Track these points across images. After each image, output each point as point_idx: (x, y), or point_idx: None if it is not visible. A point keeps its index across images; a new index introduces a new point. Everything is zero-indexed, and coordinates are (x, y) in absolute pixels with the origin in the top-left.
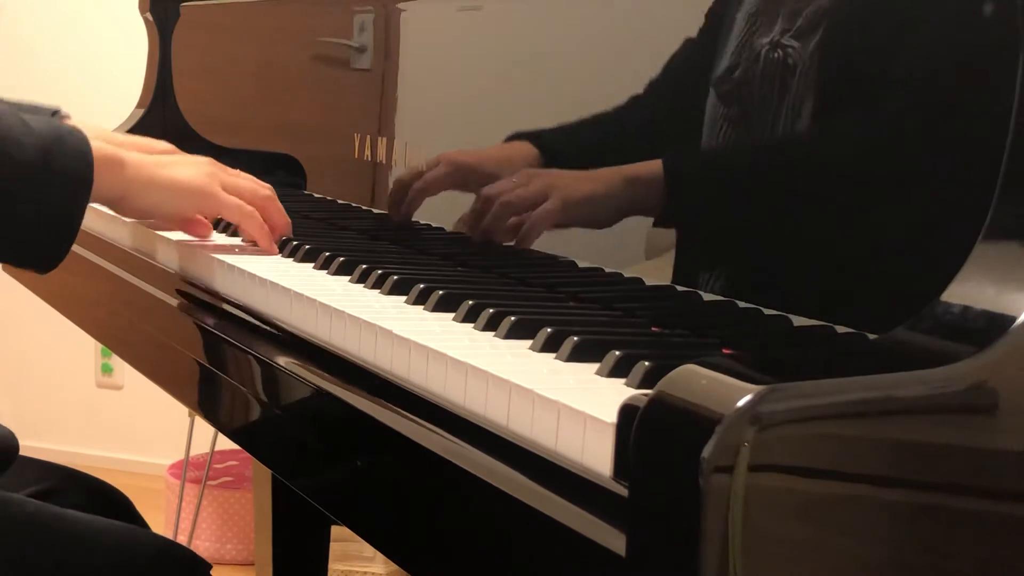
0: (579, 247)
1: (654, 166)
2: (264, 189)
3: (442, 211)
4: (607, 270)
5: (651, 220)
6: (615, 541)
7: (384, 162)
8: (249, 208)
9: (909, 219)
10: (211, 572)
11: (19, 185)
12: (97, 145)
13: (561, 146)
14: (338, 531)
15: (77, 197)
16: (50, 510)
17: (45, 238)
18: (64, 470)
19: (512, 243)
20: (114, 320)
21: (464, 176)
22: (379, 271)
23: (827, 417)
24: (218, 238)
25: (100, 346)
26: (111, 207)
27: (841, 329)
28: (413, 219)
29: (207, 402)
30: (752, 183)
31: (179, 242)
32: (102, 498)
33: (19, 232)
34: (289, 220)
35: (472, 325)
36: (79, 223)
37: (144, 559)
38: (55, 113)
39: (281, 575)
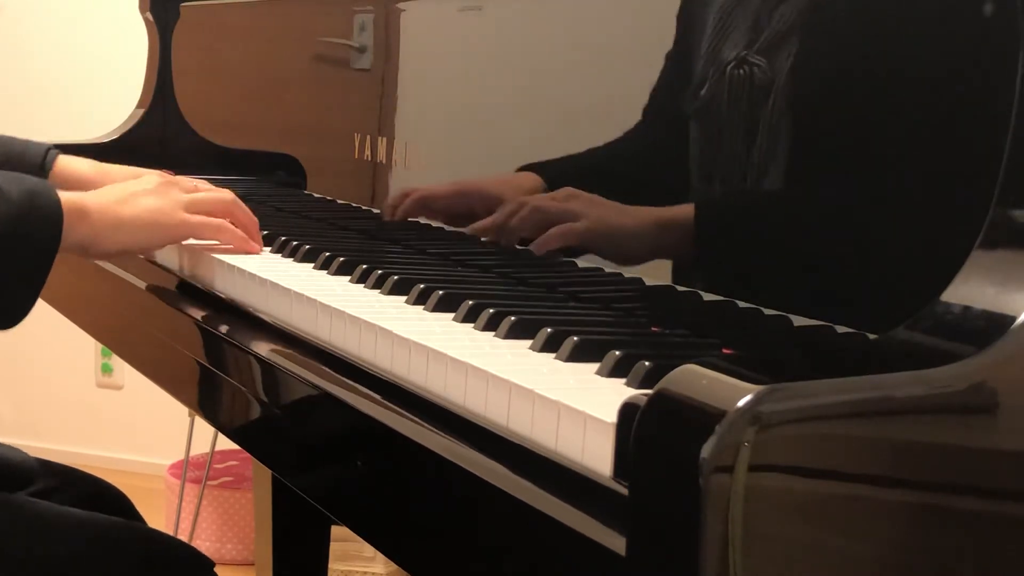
0: None
1: (687, 211)
2: (225, 194)
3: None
4: (607, 270)
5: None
6: (615, 541)
7: (384, 162)
8: (217, 221)
9: (909, 219)
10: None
11: None
12: (64, 198)
13: (563, 151)
14: (338, 531)
15: (44, 261)
16: (52, 509)
17: (10, 299)
18: (64, 469)
19: (527, 247)
20: (114, 320)
21: (466, 200)
22: (379, 271)
23: (827, 417)
24: None
25: (100, 346)
26: (80, 254)
27: (841, 329)
28: (414, 219)
29: (207, 402)
30: (752, 183)
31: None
32: (101, 497)
33: None
34: (255, 218)
35: (472, 325)
36: (43, 282)
37: (148, 556)
38: (49, 149)
39: (281, 575)
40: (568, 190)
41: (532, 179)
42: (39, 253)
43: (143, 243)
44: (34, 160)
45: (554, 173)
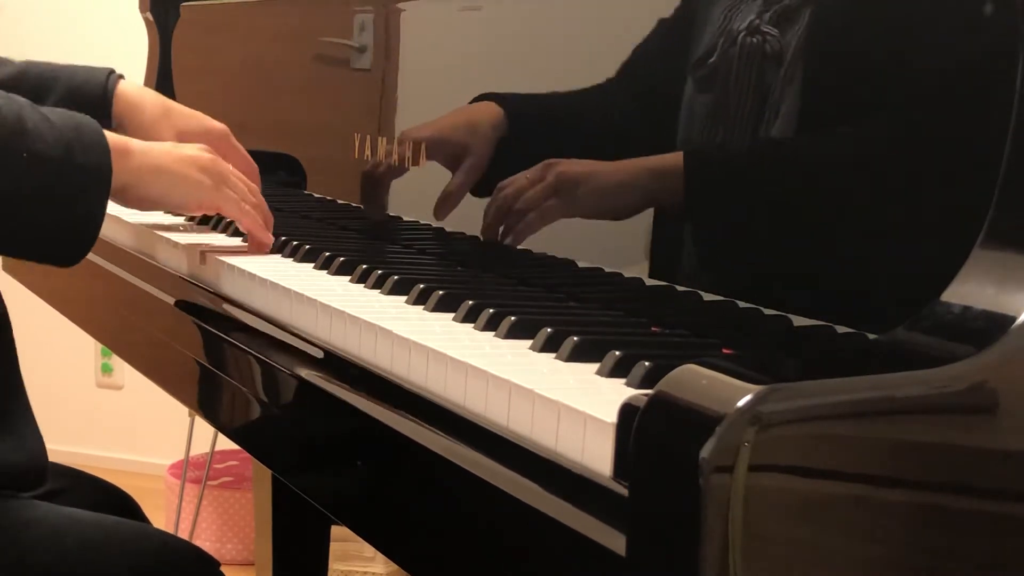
0: (579, 247)
1: (675, 159)
2: (252, 185)
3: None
4: (607, 270)
5: (652, 220)
6: (615, 541)
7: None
8: (247, 207)
9: (909, 219)
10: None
11: (47, 181)
12: (109, 136)
13: (563, 151)
14: (338, 531)
15: (100, 189)
16: (59, 511)
17: (72, 233)
18: (70, 471)
19: (520, 233)
20: (114, 320)
21: (436, 147)
22: (379, 271)
23: (827, 417)
24: (218, 238)
25: (100, 346)
26: (115, 197)
27: (841, 329)
28: (414, 219)
29: (207, 402)
30: (752, 183)
31: (179, 242)
32: (108, 498)
33: (47, 228)
34: (271, 217)
35: (472, 325)
36: (103, 214)
37: (153, 556)
38: (110, 74)
39: (281, 575)
40: (545, 164)
41: (489, 109)
42: (95, 178)
43: (177, 198)
44: (95, 90)
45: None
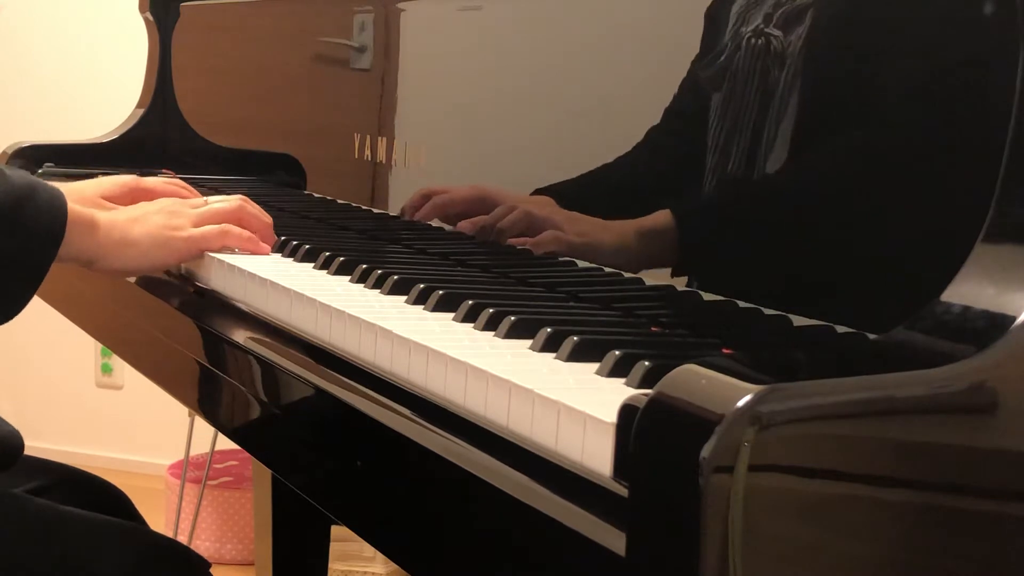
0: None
1: (665, 218)
2: (232, 202)
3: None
4: (607, 270)
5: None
6: (615, 541)
7: (384, 162)
8: (221, 228)
9: (909, 219)
10: (210, 570)
11: None
12: (72, 206)
13: (563, 151)
14: (338, 531)
15: (44, 251)
16: (48, 507)
17: (6, 287)
18: (62, 467)
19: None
20: (114, 320)
21: (484, 205)
22: (379, 271)
23: (827, 417)
24: None
25: (100, 346)
26: (85, 267)
27: (841, 329)
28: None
29: (207, 402)
30: (752, 184)
31: None
32: (100, 495)
33: None
34: (269, 219)
35: (472, 325)
36: (43, 276)
37: (142, 556)
38: None
39: (281, 575)
40: (549, 200)
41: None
42: (41, 238)
43: (151, 263)
44: None
45: (560, 175)
